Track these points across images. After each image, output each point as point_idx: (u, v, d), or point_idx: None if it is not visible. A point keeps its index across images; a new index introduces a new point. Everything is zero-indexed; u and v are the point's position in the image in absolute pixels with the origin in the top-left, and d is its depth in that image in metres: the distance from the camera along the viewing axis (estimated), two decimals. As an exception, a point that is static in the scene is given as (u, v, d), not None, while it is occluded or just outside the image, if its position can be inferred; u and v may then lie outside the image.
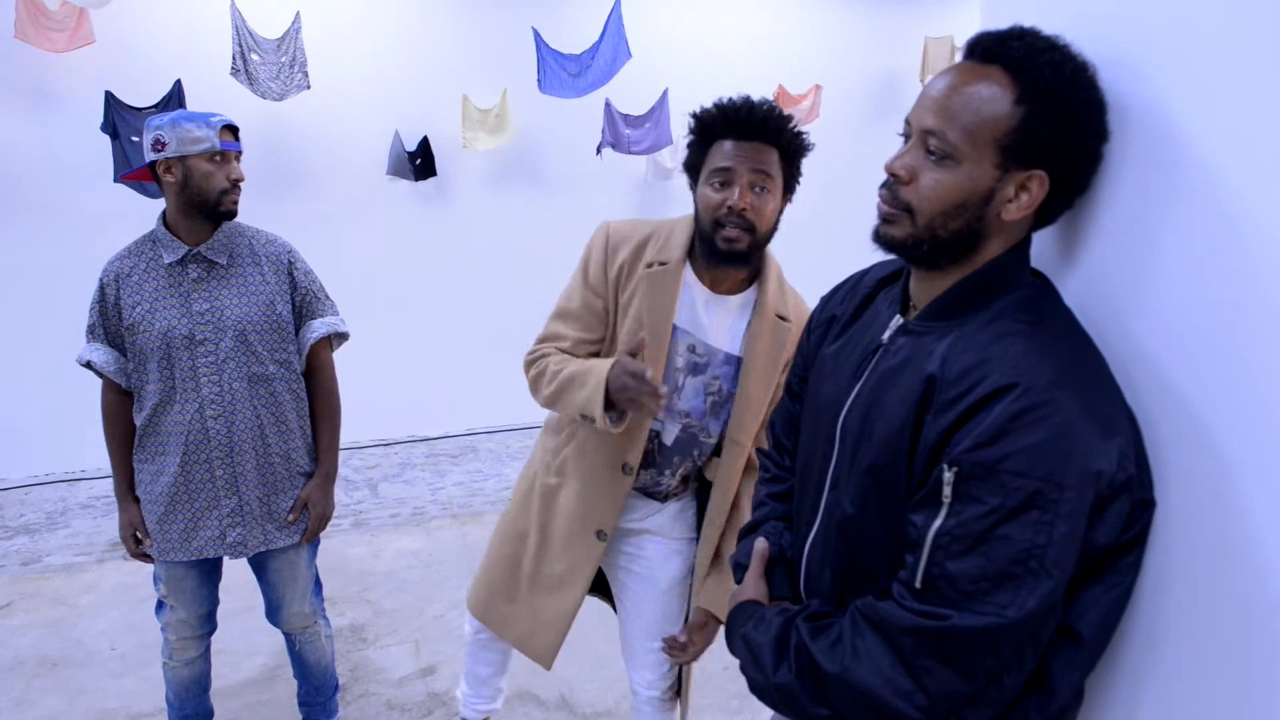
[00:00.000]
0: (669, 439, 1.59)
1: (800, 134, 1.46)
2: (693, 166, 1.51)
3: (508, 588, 1.77)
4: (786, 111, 1.46)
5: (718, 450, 1.62)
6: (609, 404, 1.41)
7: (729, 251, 1.43)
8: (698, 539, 1.73)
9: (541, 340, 1.64)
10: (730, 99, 1.46)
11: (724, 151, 1.43)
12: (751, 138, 1.43)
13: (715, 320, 1.53)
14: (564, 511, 1.68)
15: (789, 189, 1.49)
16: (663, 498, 1.69)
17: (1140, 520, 0.82)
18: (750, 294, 1.54)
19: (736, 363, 1.53)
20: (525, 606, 1.74)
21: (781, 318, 1.53)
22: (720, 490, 1.62)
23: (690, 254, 1.53)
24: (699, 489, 1.75)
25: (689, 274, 1.52)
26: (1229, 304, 0.75)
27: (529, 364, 1.62)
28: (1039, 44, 0.84)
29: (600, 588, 1.90)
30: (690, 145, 1.51)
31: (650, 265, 1.51)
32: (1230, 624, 0.76)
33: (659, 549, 1.72)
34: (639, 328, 1.50)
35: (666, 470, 1.63)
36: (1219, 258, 0.76)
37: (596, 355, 1.59)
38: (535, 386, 1.59)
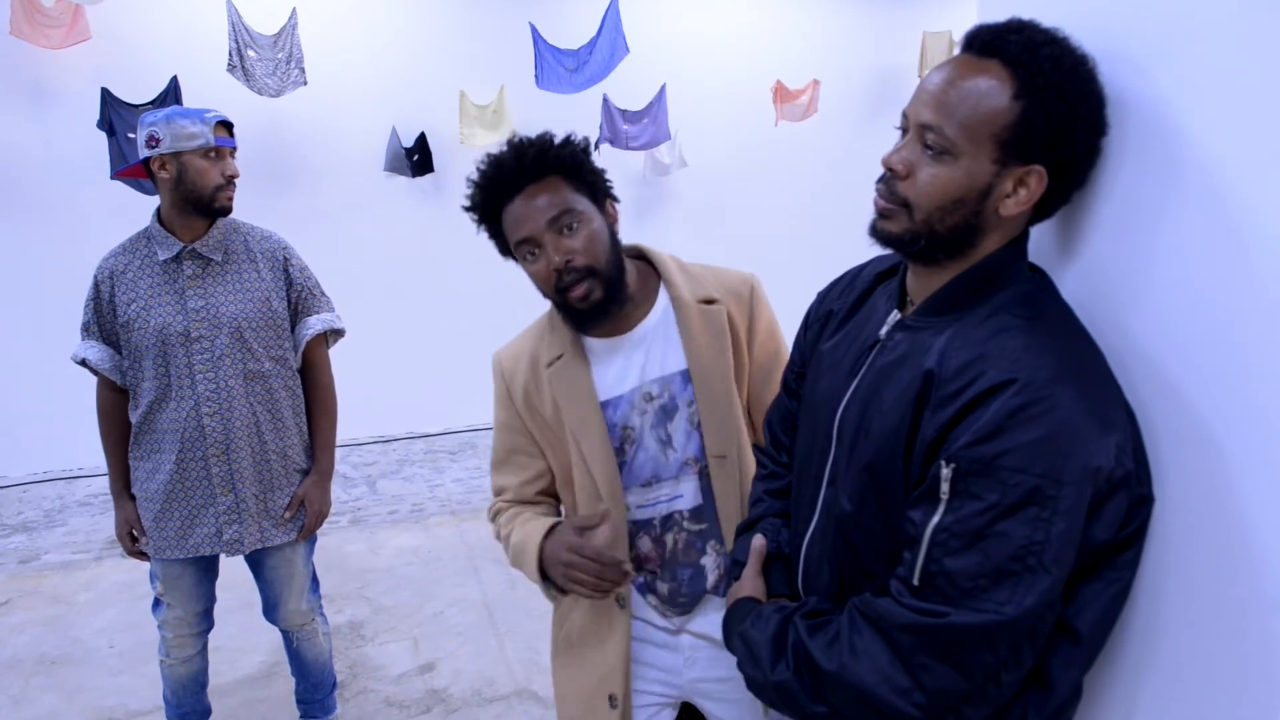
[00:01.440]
0: (688, 505, 1.31)
1: (566, 144, 1.23)
2: (504, 250, 1.30)
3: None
4: (535, 137, 1.24)
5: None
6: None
7: (592, 307, 1.22)
8: None
9: (495, 495, 1.44)
10: (480, 165, 1.26)
11: (514, 218, 1.22)
12: (524, 185, 1.22)
13: (647, 356, 1.30)
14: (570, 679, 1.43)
15: (600, 198, 1.26)
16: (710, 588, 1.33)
17: (1138, 517, 0.82)
18: (661, 306, 1.31)
19: (685, 376, 1.29)
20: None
21: (706, 301, 1.30)
22: (727, 518, 1.31)
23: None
24: None
25: (591, 344, 1.31)
26: (1227, 299, 0.75)
27: (492, 522, 1.42)
28: (1038, 37, 0.83)
29: None
30: (488, 233, 1.30)
31: (550, 365, 1.32)
32: (1228, 621, 0.75)
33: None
34: (571, 426, 1.29)
35: (696, 545, 1.32)
36: (1217, 253, 0.75)
37: (549, 488, 1.40)
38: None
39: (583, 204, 1.22)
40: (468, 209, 1.28)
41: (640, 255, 1.36)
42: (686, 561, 1.32)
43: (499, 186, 1.23)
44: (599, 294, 1.21)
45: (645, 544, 1.33)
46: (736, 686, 1.23)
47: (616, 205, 1.30)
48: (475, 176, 1.26)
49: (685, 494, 1.31)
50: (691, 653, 1.35)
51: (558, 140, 1.23)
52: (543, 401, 1.33)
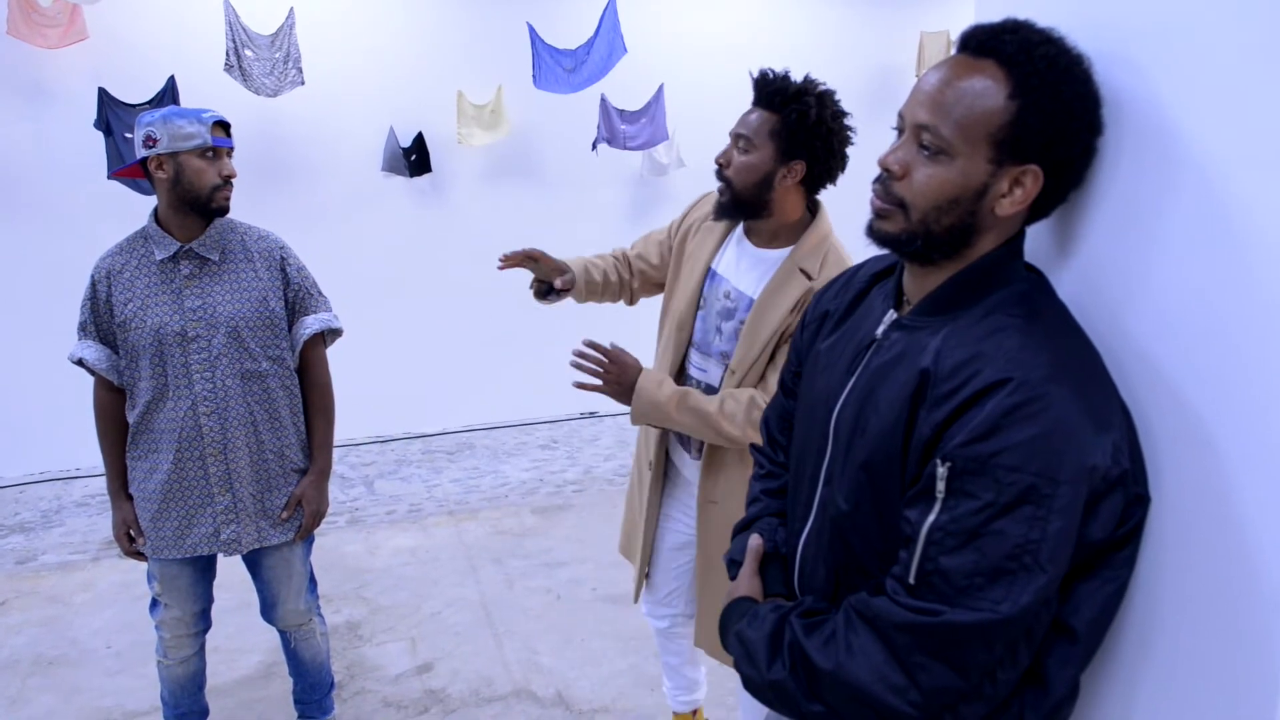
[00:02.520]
0: (716, 381, 1.73)
1: (798, 96, 1.57)
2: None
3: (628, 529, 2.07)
4: (808, 83, 1.59)
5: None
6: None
7: (720, 203, 1.66)
8: None
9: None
10: (761, 70, 1.63)
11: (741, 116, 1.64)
12: (756, 105, 1.62)
13: (749, 270, 1.70)
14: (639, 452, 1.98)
15: (791, 152, 1.59)
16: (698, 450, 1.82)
17: (1134, 516, 0.82)
18: (786, 250, 1.67)
19: (751, 303, 1.67)
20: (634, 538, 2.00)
21: (804, 271, 1.62)
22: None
23: None
24: None
25: (739, 231, 1.75)
26: (1223, 299, 0.75)
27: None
28: (1033, 37, 0.83)
29: None
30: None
31: (705, 221, 1.78)
32: (1224, 619, 0.76)
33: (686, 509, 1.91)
34: (684, 265, 1.80)
35: None
36: (1213, 252, 0.76)
37: (637, 269, 1.96)
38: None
39: (763, 141, 1.58)
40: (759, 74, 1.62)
41: (815, 212, 1.72)
42: None
43: (755, 92, 1.62)
44: (725, 198, 1.64)
45: None
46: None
47: (799, 165, 1.60)
48: (771, 80, 1.60)
49: (712, 377, 1.75)
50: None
51: (808, 97, 1.57)
52: (690, 240, 1.81)
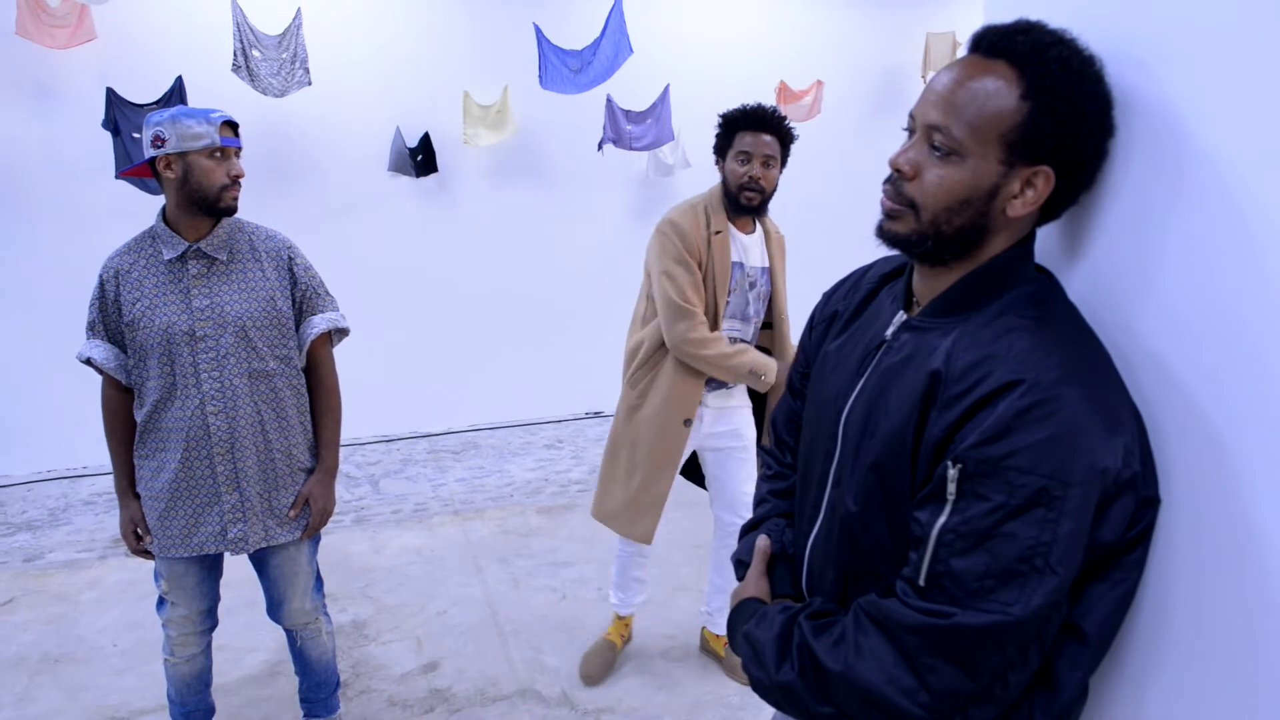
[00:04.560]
0: (750, 338, 2.38)
1: (790, 127, 2.26)
2: (720, 150, 2.27)
3: (612, 489, 2.46)
4: (782, 110, 2.09)
5: (767, 324, 2.43)
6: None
7: (749, 206, 2.24)
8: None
9: (687, 306, 2.28)
10: (746, 105, 2.23)
11: (744, 140, 2.20)
12: (761, 130, 2.20)
13: (750, 250, 2.33)
14: (652, 416, 2.35)
15: (783, 163, 2.27)
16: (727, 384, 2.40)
17: (1145, 518, 0.82)
18: (758, 229, 2.38)
19: (765, 270, 2.36)
20: (627, 499, 2.41)
21: (779, 233, 2.43)
22: (780, 350, 2.42)
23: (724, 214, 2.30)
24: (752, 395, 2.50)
25: (731, 228, 2.30)
26: (1235, 300, 0.74)
27: (704, 340, 2.23)
28: (1045, 38, 0.83)
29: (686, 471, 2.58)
30: (719, 134, 2.26)
31: (716, 233, 2.27)
32: (1235, 622, 0.75)
33: (743, 416, 2.46)
34: (714, 273, 2.27)
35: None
36: (1225, 254, 0.75)
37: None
38: (715, 361, 2.24)
39: (778, 160, 2.24)
40: (725, 116, 2.26)
41: None
42: None
43: (754, 121, 2.20)
44: (757, 203, 2.23)
45: None
46: (730, 436, 2.44)
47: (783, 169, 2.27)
48: (744, 106, 2.23)
49: (749, 334, 2.39)
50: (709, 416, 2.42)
51: (789, 123, 2.25)
52: (707, 254, 2.26)
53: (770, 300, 2.39)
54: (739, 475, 2.46)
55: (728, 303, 2.29)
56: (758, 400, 2.50)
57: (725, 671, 2.62)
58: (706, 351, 2.22)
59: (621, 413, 2.43)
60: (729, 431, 2.44)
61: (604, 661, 2.65)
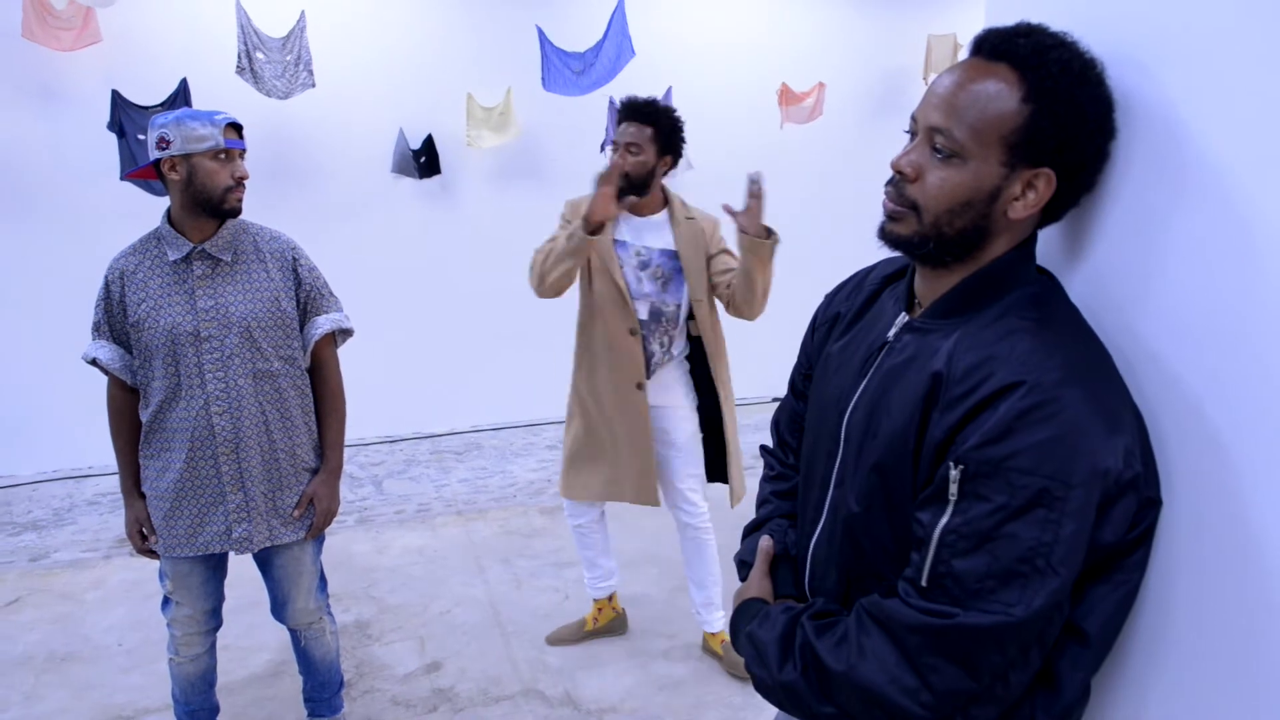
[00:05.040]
0: (644, 314, 2.45)
1: (662, 112, 2.36)
2: (613, 141, 2.43)
3: (580, 464, 2.55)
4: (662, 104, 2.37)
5: (691, 315, 2.48)
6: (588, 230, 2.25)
7: (621, 188, 2.32)
8: (696, 407, 2.57)
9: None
10: (625, 97, 2.40)
11: (620, 129, 2.38)
12: (628, 119, 2.35)
13: (645, 232, 2.46)
14: (604, 387, 2.47)
15: (665, 151, 2.37)
16: (657, 366, 2.48)
17: (1146, 519, 0.82)
18: (664, 214, 2.49)
19: (671, 254, 2.44)
20: (609, 467, 2.50)
21: (689, 218, 2.46)
22: (706, 334, 2.48)
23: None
24: (692, 369, 2.57)
25: (625, 212, 2.44)
26: (1236, 302, 0.75)
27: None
28: (1046, 41, 0.83)
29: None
30: (610, 127, 2.41)
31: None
32: (1236, 623, 0.75)
33: (674, 416, 2.53)
34: (600, 249, 2.40)
35: (650, 338, 2.46)
36: (1225, 255, 0.76)
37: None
38: (536, 267, 2.39)
39: (648, 148, 2.35)
40: (618, 108, 2.48)
41: (665, 191, 2.51)
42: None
43: (627, 112, 2.36)
44: (624, 185, 2.32)
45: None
46: (675, 412, 2.54)
47: (671, 160, 2.40)
48: (624, 101, 2.40)
49: (642, 309, 2.45)
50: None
51: (669, 111, 2.38)
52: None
53: (681, 284, 2.45)
54: (681, 473, 2.55)
55: (628, 284, 2.42)
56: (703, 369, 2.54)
57: (725, 669, 2.63)
58: (535, 261, 2.41)
59: (576, 391, 2.59)
60: (658, 430, 2.51)
61: (567, 633, 2.82)
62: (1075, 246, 0.95)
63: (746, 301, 2.36)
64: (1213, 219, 0.77)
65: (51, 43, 4.14)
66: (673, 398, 2.53)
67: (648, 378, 2.47)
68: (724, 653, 2.66)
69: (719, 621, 2.66)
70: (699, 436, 2.59)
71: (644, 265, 2.43)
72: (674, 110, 2.39)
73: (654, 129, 2.33)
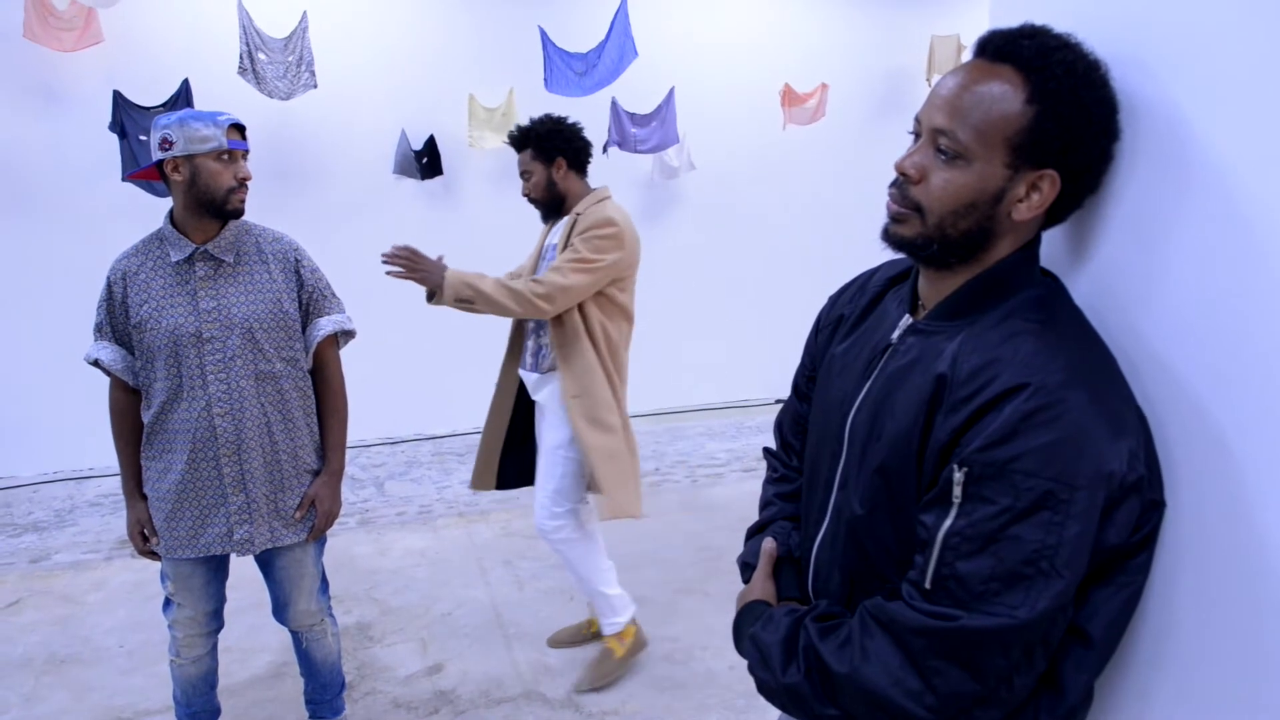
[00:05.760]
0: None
1: (534, 129, 2.43)
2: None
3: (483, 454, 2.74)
4: (532, 121, 2.46)
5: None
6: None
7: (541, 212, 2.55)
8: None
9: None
10: (517, 129, 2.47)
11: (520, 160, 2.49)
12: (516, 150, 2.49)
13: (555, 233, 2.55)
14: (504, 373, 2.71)
15: (550, 158, 2.44)
16: (539, 368, 2.55)
17: (1150, 521, 0.82)
18: (569, 218, 2.50)
19: (556, 246, 2.49)
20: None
21: (578, 213, 2.46)
22: (561, 330, 2.45)
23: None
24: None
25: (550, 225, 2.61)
26: (1240, 303, 0.75)
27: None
28: (1050, 42, 0.83)
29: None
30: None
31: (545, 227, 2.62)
32: (1241, 625, 0.75)
33: (547, 420, 2.55)
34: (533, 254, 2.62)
35: (529, 339, 2.59)
36: (1230, 257, 0.75)
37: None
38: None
39: (537, 165, 2.46)
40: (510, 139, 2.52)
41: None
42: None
43: (515, 143, 2.47)
44: (540, 208, 2.54)
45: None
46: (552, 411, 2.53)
47: (563, 159, 2.45)
48: (516, 132, 2.47)
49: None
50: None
51: (537, 128, 2.43)
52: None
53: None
54: (542, 478, 2.55)
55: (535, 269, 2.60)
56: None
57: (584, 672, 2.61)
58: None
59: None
60: (538, 431, 2.62)
61: (569, 635, 2.82)
62: (1079, 248, 0.95)
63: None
64: (1216, 220, 0.77)
65: (53, 43, 4.15)
66: (548, 399, 2.53)
67: (533, 369, 2.55)
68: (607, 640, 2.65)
69: (604, 619, 2.64)
70: (564, 452, 2.50)
71: (544, 258, 2.59)
72: (544, 121, 2.44)
73: (530, 149, 2.42)
